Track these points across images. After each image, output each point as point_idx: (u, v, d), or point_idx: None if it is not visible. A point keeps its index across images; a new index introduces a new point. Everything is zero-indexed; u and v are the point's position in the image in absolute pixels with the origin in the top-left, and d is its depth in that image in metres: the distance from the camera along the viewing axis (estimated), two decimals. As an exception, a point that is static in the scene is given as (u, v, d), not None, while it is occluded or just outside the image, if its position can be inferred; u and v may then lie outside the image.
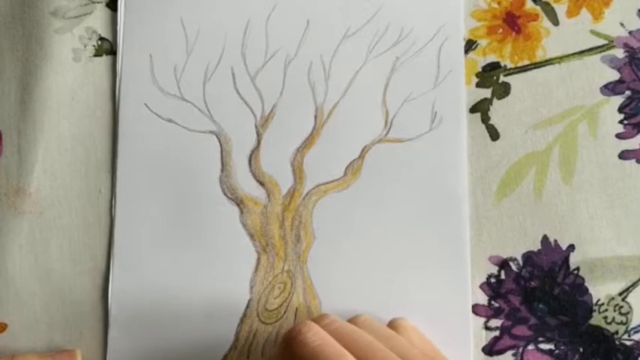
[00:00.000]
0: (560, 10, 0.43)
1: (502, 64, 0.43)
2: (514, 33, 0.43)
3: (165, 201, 0.41)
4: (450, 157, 0.41)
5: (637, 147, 0.41)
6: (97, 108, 0.42)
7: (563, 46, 0.43)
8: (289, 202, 0.41)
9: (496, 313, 0.40)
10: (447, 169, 0.41)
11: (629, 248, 0.40)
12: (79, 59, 0.42)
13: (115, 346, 0.40)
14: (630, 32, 0.43)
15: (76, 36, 0.43)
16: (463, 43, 0.43)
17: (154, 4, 0.43)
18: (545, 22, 0.43)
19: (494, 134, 0.42)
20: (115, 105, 0.42)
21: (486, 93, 0.42)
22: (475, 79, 0.42)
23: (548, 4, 0.43)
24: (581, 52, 0.42)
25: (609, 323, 0.40)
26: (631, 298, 0.40)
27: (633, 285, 0.40)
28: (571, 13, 0.43)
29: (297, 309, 0.40)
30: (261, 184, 0.42)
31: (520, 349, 0.40)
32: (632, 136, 0.42)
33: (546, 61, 0.42)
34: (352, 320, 0.38)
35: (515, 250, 0.41)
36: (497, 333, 0.40)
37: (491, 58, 0.43)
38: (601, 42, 0.42)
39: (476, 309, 0.40)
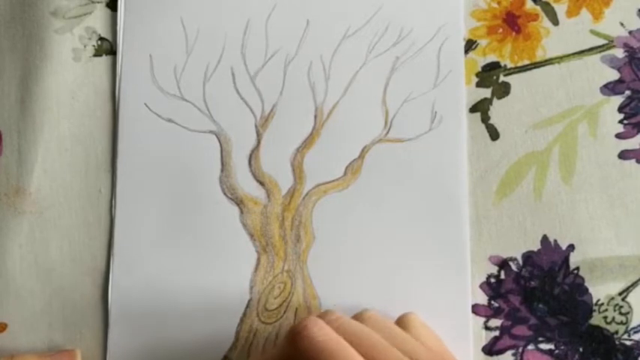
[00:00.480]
0: (560, 10, 0.43)
1: (502, 63, 0.43)
2: (514, 33, 0.43)
3: (165, 201, 0.41)
4: (450, 157, 0.41)
5: (637, 147, 0.41)
6: (97, 108, 0.42)
7: (563, 46, 0.43)
8: (289, 202, 0.41)
9: (496, 313, 0.40)
10: (447, 169, 0.41)
11: (629, 248, 0.40)
12: (79, 59, 0.43)
13: (115, 346, 0.40)
14: (630, 32, 0.43)
15: (76, 36, 0.43)
16: (463, 43, 0.43)
17: (154, 4, 0.43)
18: (545, 22, 0.43)
19: (494, 134, 0.42)
20: (115, 105, 0.42)
21: (486, 93, 0.42)
22: (475, 79, 0.42)
23: (548, 4, 0.43)
24: (581, 52, 0.42)
25: (609, 323, 0.40)
26: (631, 298, 0.40)
27: (633, 285, 0.40)
28: (571, 13, 0.43)
29: (297, 309, 0.40)
30: (261, 184, 0.42)
31: (520, 349, 0.40)
32: (632, 136, 0.42)
33: (546, 60, 0.42)
34: (358, 316, 0.38)
35: (515, 250, 0.41)
36: (497, 333, 0.40)
37: (491, 57, 0.43)
38: (601, 42, 0.42)
39: (476, 309, 0.40)
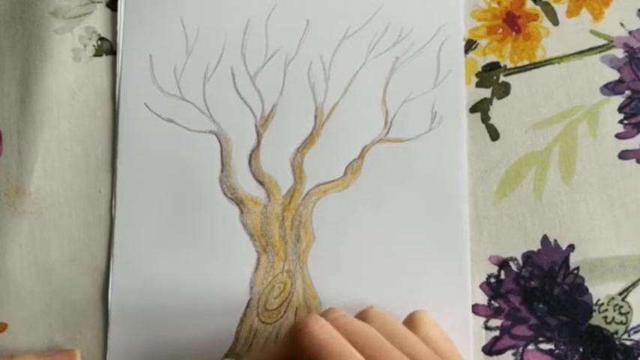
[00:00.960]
0: (560, 10, 0.43)
1: (502, 64, 0.43)
2: (514, 33, 0.43)
3: (165, 201, 0.41)
4: (450, 157, 0.41)
5: (637, 147, 0.41)
6: (97, 108, 0.42)
7: (563, 46, 0.43)
8: (289, 202, 0.41)
9: (496, 313, 0.40)
10: (447, 169, 0.41)
11: (629, 248, 0.40)
12: (79, 59, 0.43)
13: (115, 346, 0.40)
14: (630, 32, 0.43)
15: (76, 36, 0.43)
16: (463, 43, 0.43)
17: (154, 4, 0.43)
18: (545, 22, 0.43)
19: (494, 134, 0.42)
20: (115, 105, 0.42)
21: (486, 93, 0.42)
22: (475, 79, 0.42)
23: (548, 4, 0.43)
24: (581, 52, 0.42)
25: (609, 323, 0.40)
26: (631, 298, 0.40)
27: (633, 285, 0.40)
28: (571, 13, 0.43)
29: (297, 309, 0.40)
30: (261, 184, 0.42)
31: (520, 349, 0.40)
32: (632, 136, 0.42)
33: (546, 61, 0.42)
34: (363, 313, 0.37)
35: (515, 250, 0.41)
36: (497, 333, 0.40)
37: (491, 58, 0.43)
38: (601, 42, 0.42)
39: (476, 309, 0.40)
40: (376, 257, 0.40)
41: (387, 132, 0.42)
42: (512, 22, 0.43)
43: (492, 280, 0.41)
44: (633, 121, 0.42)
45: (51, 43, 0.42)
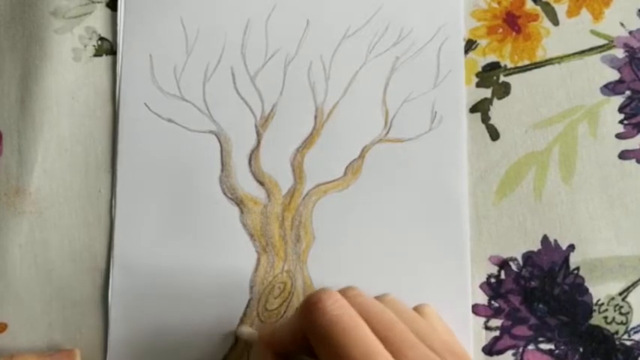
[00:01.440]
0: (560, 10, 0.43)
1: (502, 64, 0.43)
2: (514, 33, 0.43)
3: (165, 201, 0.41)
4: (449, 157, 0.41)
5: (637, 147, 0.41)
6: (97, 108, 0.42)
7: (563, 46, 0.43)
8: (289, 202, 0.41)
9: (496, 313, 0.40)
10: (447, 169, 0.41)
11: (629, 248, 0.40)
12: (79, 59, 0.43)
13: (115, 346, 0.40)
14: (630, 32, 0.43)
15: (76, 36, 0.43)
16: (463, 43, 0.43)
17: (154, 4, 0.43)
18: (545, 22, 0.43)
19: (494, 134, 0.42)
20: (115, 105, 0.42)
21: (486, 93, 0.42)
22: (475, 79, 0.42)
23: (548, 4, 0.43)
24: (581, 52, 0.42)
25: (609, 323, 0.40)
26: (631, 298, 0.40)
27: (633, 285, 0.40)
28: (571, 13, 0.43)
29: (297, 309, 0.40)
30: (261, 184, 0.42)
31: (520, 349, 0.40)
32: (632, 136, 0.42)
33: (546, 61, 0.42)
34: (378, 298, 0.37)
35: (515, 250, 0.41)
36: (497, 333, 0.40)
37: (491, 58, 0.43)
38: (601, 42, 0.42)
39: (476, 309, 0.40)
40: (376, 257, 0.40)
41: (387, 132, 0.42)
42: (513, 22, 0.43)
43: (492, 280, 0.41)
44: (633, 121, 0.42)
45: (51, 43, 0.42)
